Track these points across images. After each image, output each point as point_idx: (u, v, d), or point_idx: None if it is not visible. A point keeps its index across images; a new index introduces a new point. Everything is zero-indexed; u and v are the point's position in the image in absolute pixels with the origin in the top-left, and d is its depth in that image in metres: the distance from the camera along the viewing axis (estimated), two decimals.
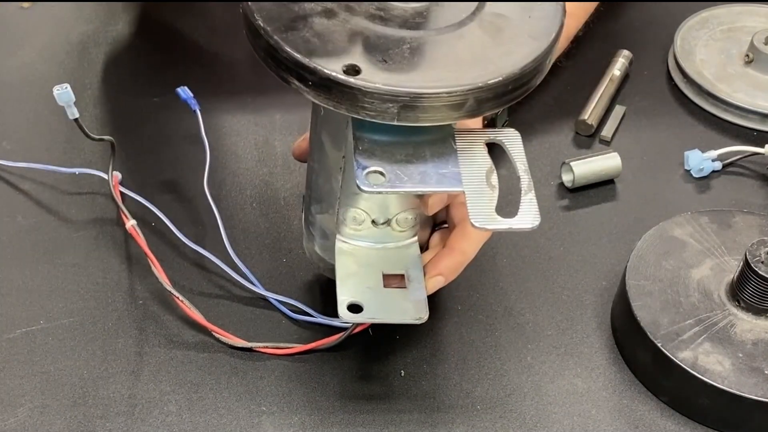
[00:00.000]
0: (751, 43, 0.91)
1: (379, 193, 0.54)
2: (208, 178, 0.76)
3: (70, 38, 0.95)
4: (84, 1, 1.00)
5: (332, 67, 0.51)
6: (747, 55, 0.91)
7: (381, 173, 0.53)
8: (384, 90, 0.50)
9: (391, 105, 0.51)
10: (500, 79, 0.52)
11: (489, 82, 0.52)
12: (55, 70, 0.91)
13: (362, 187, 0.53)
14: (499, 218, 0.54)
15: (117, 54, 0.94)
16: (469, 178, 0.55)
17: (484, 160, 0.56)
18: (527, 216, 0.55)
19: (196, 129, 0.82)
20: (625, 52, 0.91)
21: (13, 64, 0.92)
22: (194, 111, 0.82)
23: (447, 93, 0.51)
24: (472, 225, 0.53)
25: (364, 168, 0.53)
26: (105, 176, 0.76)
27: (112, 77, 0.91)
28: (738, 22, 0.96)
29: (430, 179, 0.54)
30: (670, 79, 0.92)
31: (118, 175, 0.78)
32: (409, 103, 0.51)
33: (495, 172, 0.56)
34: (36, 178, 0.80)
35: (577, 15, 0.90)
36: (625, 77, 0.91)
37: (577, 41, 0.93)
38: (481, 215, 0.54)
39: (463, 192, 0.54)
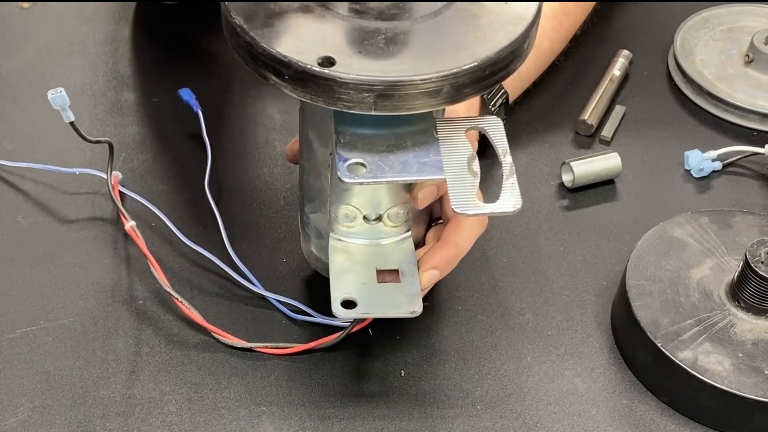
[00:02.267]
0: (751, 43, 0.91)
1: (361, 183, 0.54)
2: (209, 178, 0.77)
3: (70, 38, 0.95)
4: (84, 1, 1.00)
5: (307, 60, 0.51)
6: (747, 55, 0.91)
7: (362, 164, 0.54)
8: (359, 80, 0.51)
9: (367, 95, 0.51)
10: (475, 64, 0.52)
11: (464, 67, 0.52)
12: (55, 70, 0.92)
13: (343, 178, 0.53)
14: (481, 203, 0.54)
15: (117, 54, 0.94)
16: (450, 166, 0.55)
17: (466, 147, 0.56)
18: (509, 200, 0.55)
19: (195, 129, 0.82)
20: (625, 52, 0.91)
21: (13, 64, 0.92)
22: (197, 113, 0.82)
23: (422, 80, 0.51)
24: (454, 211, 0.54)
25: (345, 160, 0.54)
26: (105, 176, 0.76)
27: (112, 77, 0.91)
28: (738, 22, 0.96)
29: (411, 168, 0.54)
30: (670, 79, 0.92)
31: (118, 174, 0.78)
32: (385, 92, 0.51)
33: (476, 159, 0.56)
34: (36, 178, 0.80)
35: (575, 14, 0.90)
36: (625, 77, 0.91)
37: (577, 41, 0.93)
38: (463, 201, 0.54)
39: (445, 179, 0.54)
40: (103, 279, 0.72)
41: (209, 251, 0.72)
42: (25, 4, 1.00)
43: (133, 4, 0.99)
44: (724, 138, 0.86)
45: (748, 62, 0.91)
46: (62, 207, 0.78)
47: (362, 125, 0.55)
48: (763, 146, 0.82)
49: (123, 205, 0.74)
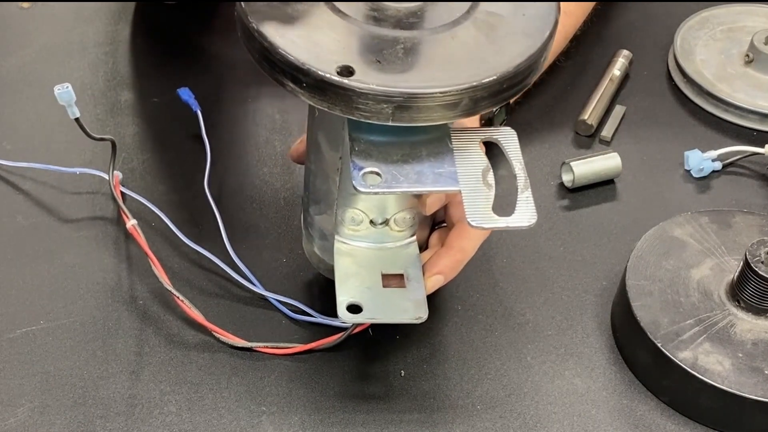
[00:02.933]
0: (751, 43, 0.91)
1: (376, 193, 0.54)
2: (208, 178, 0.77)
3: (70, 38, 0.95)
4: (84, 1, 1.00)
5: (326, 69, 0.51)
6: (747, 55, 0.91)
7: (377, 174, 0.54)
8: (378, 91, 0.50)
9: (385, 106, 0.51)
10: (495, 77, 0.52)
11: (483, 81, 0.52)
12: (55, 70, 0.91)
13: (358, 188, 0.53)
14: (496, 217, 0.54)
15: (117, 54, 0.94)
16: (465, 177, 0.55)
17: (480, 159, 0.56)
18: (524, 214, 0.55)
19: (196, 129, 0.82)
20: (625, 52, 0.91)
21: (13, 64, 0.92)
22: (196, 112, 0.82)
23: (441, 93, 0.51)
24: (469, 224, 0.53)
25: (360, 169, 0.54)
26: (105, 176, 0.76)
27: (112, 77, 0.91)
28: (738, 22, 0.96)
29: (426, 179, 0.54)
30: (670, 79, 0.92)
31: (119, 174, 0.78)
32: (404, 103, 0.51)
33: (491, 170, 0.56)
34: (36, 178, 0.80)
35: (575, 14, 0.90)
36: (625, 77, 0.91)
37: (577, 41, 0.93)
38: (478, 214, 0.54)
39: (460, 191, 0.54)
40: (104, 279, 0.72)
41: (209, 251, 0.72)
42: (25, 4, 1.00)
43: (132, 4, 0.99)
44: (724, 138, 0.86)
45: (748, 62, 0.91)
46: (63, 207, 0.78)
47: (377, 133, 0.55)
48: (763, 146, 0.82)
49: (123, 204, 0.74)
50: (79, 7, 0.99)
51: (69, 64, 0.92)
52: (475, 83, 0.51)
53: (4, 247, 0.75)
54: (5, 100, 0.88)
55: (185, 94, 0.83)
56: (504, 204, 0.56)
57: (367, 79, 0.51)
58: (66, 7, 0.99)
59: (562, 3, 0.86)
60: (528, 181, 0.56)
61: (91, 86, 0.89)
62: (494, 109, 0.78)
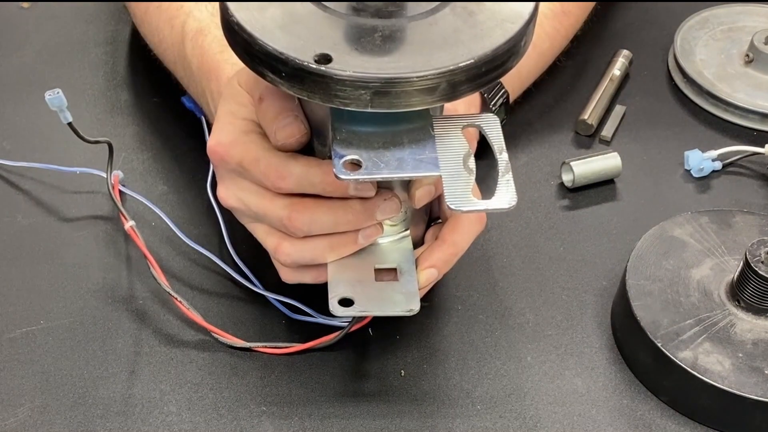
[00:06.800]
0: (751, 43, 0.91)
1: (356, 180, 0.54)
2: (211, 178, 0.76)
3: (70, 38, 0.95)
4: (84, 1, 1.00)
5: (303, 57, 0.51)
6: (747, 55, 0.91)
7: (358, 161, 0.54)
8: (355, 77, 0.51)
9: (363, 92, 0.51)
10: (472, 61, 0.52)
11: (460, 64, 0.52)
12: (55, 70, 0.91)
13: (339, 175, 0.53)
14: (476, 200, 0.54)
15: (117, 54, 0.94)
16: (446, 163, 0.55)
17: (462, 145, 0.56)
18: (504, 196, 0.55)
19: (196, 129, 0.82)
20: (625, 52, 0.91)
21: (13, 64, 0.92)
22: (200, 118, 0.82)
23: (418, 77, 0.51)
24: (449, 207, 0.54)
25: (342, 157, 0.54)
26: (105, 176, 0.76)
27: (113, 77, 0.91)
28: (738, 22, 0.96)
29: (407, 165, 0.54)
30: (670, 79, 0.92)
31: (119, 174, 0.77)
32: (381, 89, 0.51)
33: (472, 156, 0.56)
34: (36, 177, 0.80)
35: (576, 14, 0.90)
36: (625, 77, 0.91)
37: (577, 41, 0.93)
38: (458, 197, 0.54)
39: (441, 176, 0.54)
40: (103, 279, 0.72)
41: (209, 251, 0.72)
42: (25, 4, 1.00)
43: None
44: (724, 138, 0.86)
45: (748, 62, 0.91)
46: (62, 206, 0.78)
47: (359, 122, 0.55)
48: (763, 146, 0.82)
49: (123, 204, 0.74)
50: (79, 7, 0.99)
51: (69, 64, 0.92)
52: (452, 67, 0.52)
53: (4, 247, 0.75)
54: (5, 100, 0.88)
55: (189, 101, 0.83)
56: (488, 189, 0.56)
57: (344, 66, 0.51)
58: (66, 7, 0.99)
59: (562, 3, 0.86)
60: (509, 165, 0.56)
61: (91, 86, 0.89)
62: (494, 108, 0.78)
